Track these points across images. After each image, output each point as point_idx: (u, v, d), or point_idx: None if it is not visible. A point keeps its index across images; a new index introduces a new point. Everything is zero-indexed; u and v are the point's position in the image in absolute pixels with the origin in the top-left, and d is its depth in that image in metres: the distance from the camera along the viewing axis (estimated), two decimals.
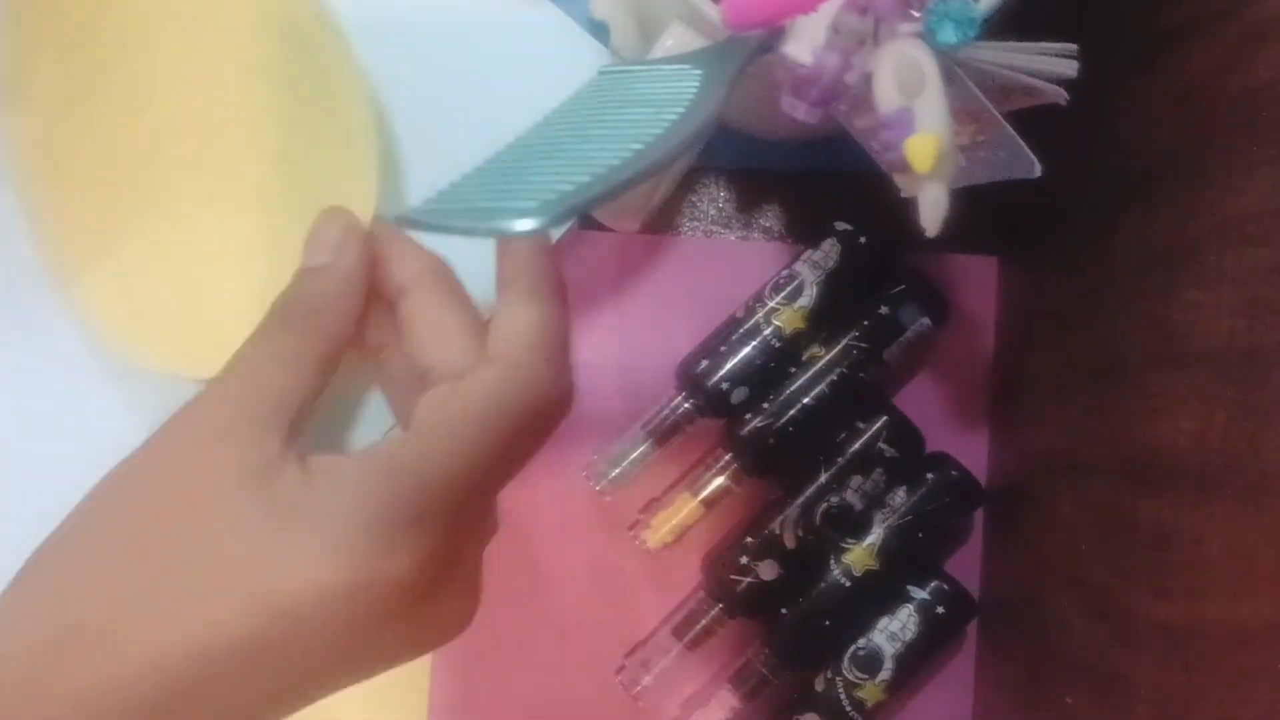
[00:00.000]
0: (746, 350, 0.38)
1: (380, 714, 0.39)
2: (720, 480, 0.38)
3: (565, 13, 0.38)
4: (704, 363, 0.38)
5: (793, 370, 0.38)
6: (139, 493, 0.26)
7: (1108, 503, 0.31)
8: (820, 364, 0.38)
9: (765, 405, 0.37)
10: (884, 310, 0.38)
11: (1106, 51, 0.29)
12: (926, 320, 0.38)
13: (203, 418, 0.26)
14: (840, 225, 0.38)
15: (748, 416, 0.38)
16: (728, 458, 0.38)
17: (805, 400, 0.37)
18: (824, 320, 0.38)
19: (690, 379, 0.38)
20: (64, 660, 0.24)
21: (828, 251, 0.38)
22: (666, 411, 0.38)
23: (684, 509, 0.38)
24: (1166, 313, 0.29)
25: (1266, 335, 0.25)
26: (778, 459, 0.38)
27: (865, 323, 0.38)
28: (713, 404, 0.38)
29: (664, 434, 0.38)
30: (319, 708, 0.41)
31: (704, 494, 0.38)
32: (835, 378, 0.37)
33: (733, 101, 0.27)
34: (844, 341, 0.38)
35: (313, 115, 0.35)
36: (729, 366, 0.37)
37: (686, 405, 0.38)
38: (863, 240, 0.38)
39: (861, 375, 0.38)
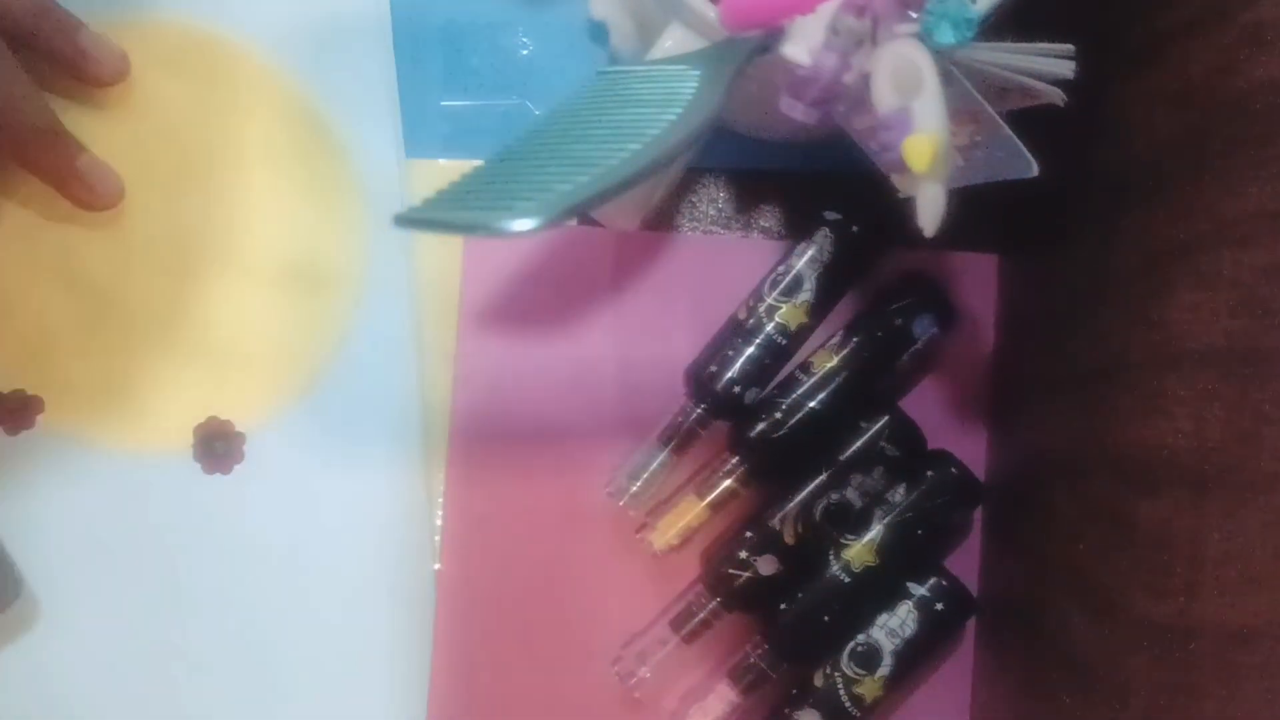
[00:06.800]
0: (753, 351, 0.38)
1: (380, 713, 0.39)
2: (727, 484, 0.38)
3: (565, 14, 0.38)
4: (712, 367, 0.38)
5: (802, 377, 0.38)
6: None
7: (1106, 502, 0.31)
8: (831, 372, 0.38)
9: (773, 410, 0.38)
10: (898, 322, 0.38)
11: (1105, 51, 0.29)
12: (936, 330, 0.38)
13: None
14: (830, 215, 0.38)
15: (755, 421, 0.38)
16: (734, 461, 0.38)
17: (813, 405, 0.37)
18: (825, 311, 0.38)
19: (700, 384, 0.38)
20: None
21: (821, 243, 0.38)
22: (680, 419, 0.38)
23: (690, 512, 0.38)
24: (1166, 313, 0.29)
25: (1266, 335, 0.25)
26: (785, 463, 0.38)
27: (879, 334, 0.38)
28: (725, 408, 0.38)
29: (681, 442, 0.38)
30: (315, 707, 0.41)
31: (710, 497, 0.38)
32: (845, 386, 0.37)
33: (731, 102, 0.27)
34: (855, 351, 0.38)
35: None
36: (738, 369, 0.37)
37: (699, 411, 0.38)
38: (855, 229, 0.38)
39: (871, 383, 0.38)
